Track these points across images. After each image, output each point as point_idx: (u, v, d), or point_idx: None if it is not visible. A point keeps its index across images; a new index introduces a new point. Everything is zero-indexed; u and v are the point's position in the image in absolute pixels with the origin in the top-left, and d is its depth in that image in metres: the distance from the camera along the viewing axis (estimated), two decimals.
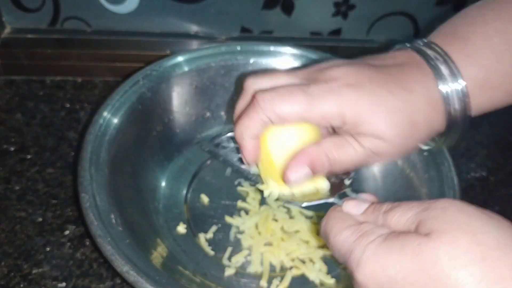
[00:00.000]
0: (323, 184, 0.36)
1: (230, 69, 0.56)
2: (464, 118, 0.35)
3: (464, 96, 0.34)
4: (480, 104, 0.36)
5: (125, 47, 0.65)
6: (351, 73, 0.34)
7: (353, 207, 0.32)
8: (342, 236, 0.29)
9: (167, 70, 0.54)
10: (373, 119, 0.33)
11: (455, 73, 0.34)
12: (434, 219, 0.26)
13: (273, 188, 0.37)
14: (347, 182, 0.36)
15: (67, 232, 0.49)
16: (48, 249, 0.47)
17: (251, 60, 0.56)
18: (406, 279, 0.25)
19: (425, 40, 0.36)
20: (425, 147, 0.40)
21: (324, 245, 0.48)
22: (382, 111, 0.33)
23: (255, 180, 0.38)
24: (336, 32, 0.69)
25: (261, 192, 0.45)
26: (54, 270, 0.46)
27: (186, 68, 0.54)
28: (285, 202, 0.36)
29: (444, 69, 0.34)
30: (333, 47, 0.68)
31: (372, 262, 0.27)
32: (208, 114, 0.57)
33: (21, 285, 0.44)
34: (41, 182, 0.53)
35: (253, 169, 0.38)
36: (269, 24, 0.67)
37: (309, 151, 0.34)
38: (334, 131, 0.37)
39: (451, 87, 0.34)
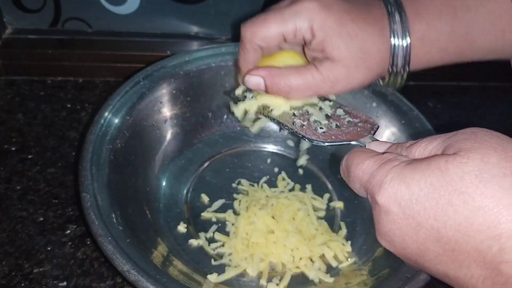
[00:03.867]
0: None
1: (230, 70, 0.56)
2: (404, 69, 0.41)
3: (407, 50, 0.40)
4: (418, 56, 0.41)
5: (125, 47, 0.65)
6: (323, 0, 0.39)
7: (376, 145, 0.32)
8: (364, 165, 0.29)
9: (168, 70, 0.54)
10: (334, 38, 0.39)
11: (405, 28, 0.40)
12: (463, 140, 0.26)
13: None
14: (371, 133, 0.37)
15: (68, 232, 0.49)
16: (49, 248, 0.47)
17: None
18: (430, 195, 0.25)
19: None
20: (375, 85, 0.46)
21: (324, 243, 0.48)
22: (342, 33, 0.39)
23: (284, 125, 0.40)
24: None
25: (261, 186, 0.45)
26: (55, 270, 0.46)
27: (186, 69, 0.55)
28: (307, 140, 0.38)
29: (398, 21, 0.40)
30: None
31: (396, 182, 0.26)
32: (208, 114, 0.57)
33: (22, 285, 0.45)
34: (42, 182, 0.53)
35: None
36: None
37: (271, 68, 0.40)
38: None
39: (399, 40, 0.40)
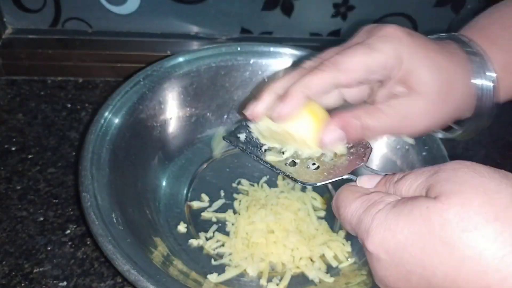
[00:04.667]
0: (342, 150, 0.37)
1: (230, 70, 0.56)
2: (491, 106, 0.37)
3: (494, 88, 0.36)
4: (504, 87, 0.37)
5: (126, 47, 0.65)
6: (405, 28, 0.35)
7: (366, 181, 0.32)
8: (352, 208, 0.29)
9: (168, 70, 0.54)
10: (423, 68, 0.34)
11: (487, 64, 0.36)
12: (444, 181, 0.25)
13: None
14: (363, 160, 0.36)
15: (68, 232, 0.49)
16: (49, 248, 0.48)
17: (251, 61, 0.56)
18: (415, 244, 0.24)
19: (455, 34, 0.38)
20: (447, 135, 0.42)
21: (324, 243, 0.48)
22: (431, 64, 0.34)
23: (277, 169, 0.38)
24: (336, 32, 0.69)
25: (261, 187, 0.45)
26: (55, 269, 0.46)
27: (186, 69, 0.55)
28: (300, 183, 0.36)
29: (477, 59, 0.36)
30: None
31: (381, 229, 0.26)
32: (208, 114, 0.57)
33: (22, 284, 0.45)
34: (42, 182, 0.53)
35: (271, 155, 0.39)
36: (269, 25, 0.67)
37: (342, 115, 0.35)
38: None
39: (482, 79, 0.36)
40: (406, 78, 0.34)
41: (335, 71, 0.34)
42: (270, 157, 0.38)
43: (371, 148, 0.36)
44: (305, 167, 0.37)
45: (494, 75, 0.36)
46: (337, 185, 0.33)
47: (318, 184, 0.36)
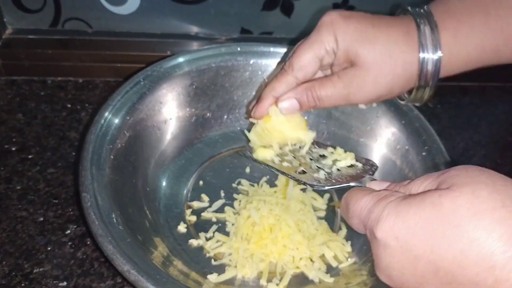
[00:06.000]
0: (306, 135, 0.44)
1: (230, 70, 0.56)
2: (433, 79, 0.41)
3: (438, 62, 0.40)
4: (453, 55, 0.40)
5: (126, 48, 0.65)
6: (343, 11, 0.42)
7: (375, 184, 0.34)
8: (362, 201, 0.30)
9: (168, 70, 0.54)
10: (355, 45, 0.40)
11: (436, 39, 0.39)
12: (455, 176, 0.27)
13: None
14: (369, 173, 0.39)
15: (68, 232, 0.49)
16: (49, 248, 0.48)
17: (251, 61, 0.56)
18: (425, 228, 0.26)
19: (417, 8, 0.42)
20: (400, 101, 0.47)
21: (324, 243, 0.48)
22: (362, 39, 0.40)
23: (291, 177, 0.41)
24: None
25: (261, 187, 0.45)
26: (55, 270, 0.46)
27: (186, 69, 0.55)
28: (309, 185, 0.40)
29: (427, 33, 0.40)
30: None
31: (392, 217, 0.27)
32: (208, 114, 0.57)
33: (22, 285, 0.45)
34: (42, 182, 0.53)
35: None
36: (268, 25, 0.67)
37: (298, 88, 0.42)
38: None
39: (429, 51, 0.40)
40: (345, 56, 0.40)
41: (292, 71, 0.42)
42: (285, 164, 0.43)
43: (377, 166, 0.40)
44: (316, 176, 0.40)
45: (439, 50, 0.39)
46: (341, 191, 0.35)
47: (326, 188, 0.39)
